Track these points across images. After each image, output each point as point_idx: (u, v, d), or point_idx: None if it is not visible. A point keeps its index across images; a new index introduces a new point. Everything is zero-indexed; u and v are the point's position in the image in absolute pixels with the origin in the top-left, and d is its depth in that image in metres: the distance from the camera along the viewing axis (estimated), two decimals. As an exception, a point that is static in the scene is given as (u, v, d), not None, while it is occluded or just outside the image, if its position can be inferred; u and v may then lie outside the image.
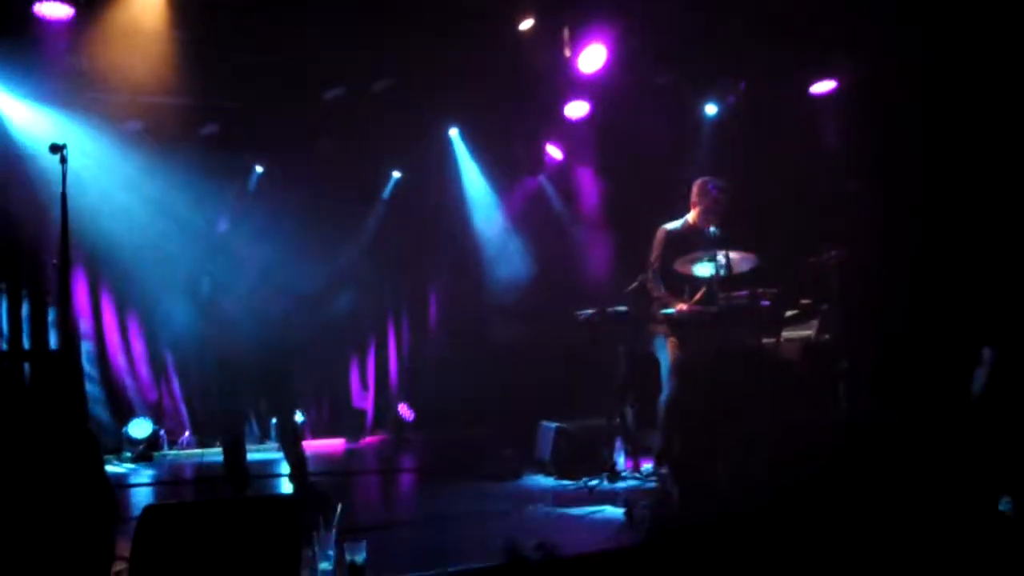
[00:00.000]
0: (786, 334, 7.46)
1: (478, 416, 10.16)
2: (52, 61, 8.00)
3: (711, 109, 9.92)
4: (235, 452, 6.62)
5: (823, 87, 9.09)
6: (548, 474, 7.80)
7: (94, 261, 9.77)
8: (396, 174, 11.39)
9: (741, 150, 9.11)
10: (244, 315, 6.52)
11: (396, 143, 10.72)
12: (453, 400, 10.65)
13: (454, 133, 11.09)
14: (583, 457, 7.54)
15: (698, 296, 7.09)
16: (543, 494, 6.88)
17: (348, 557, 4.29)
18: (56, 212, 5.25)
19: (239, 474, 6.58)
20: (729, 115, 9.87)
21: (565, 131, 10.51)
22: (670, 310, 7.13)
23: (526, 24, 8.82)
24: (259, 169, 10.38)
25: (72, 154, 5.39)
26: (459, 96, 9.86)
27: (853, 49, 8.56)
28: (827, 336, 7.45)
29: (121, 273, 9.74)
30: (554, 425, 7.95)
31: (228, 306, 6.55)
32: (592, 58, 8.96)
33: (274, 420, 6.89)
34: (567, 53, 8.82)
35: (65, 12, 7.55)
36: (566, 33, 8.82)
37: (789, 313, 7.43)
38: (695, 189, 7.47)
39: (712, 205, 7.36)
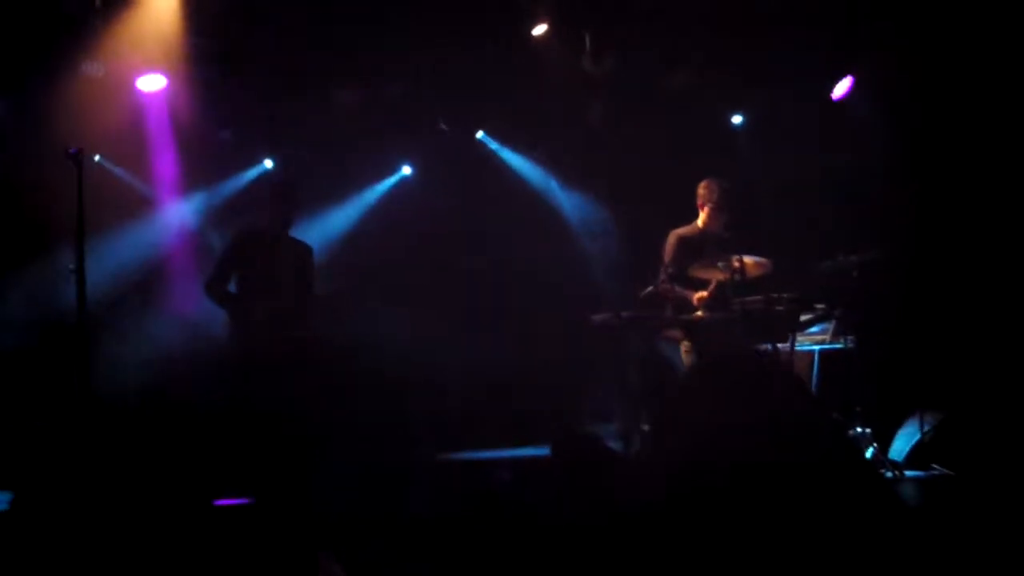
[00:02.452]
0: (800, 339, 7.42)
1: (488, 423, 10.10)
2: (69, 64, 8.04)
3: (736, 119, 9.86)
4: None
5: (842, 88, 9.02)
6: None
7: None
8: (406, 170, 11.20)
9: (758, 155, 9.10)
10: (273, 316, 6.48)
11: (411, 144, 10.73)
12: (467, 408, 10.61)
13: (479, 134, 10.98)
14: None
15: (712, 288, 7.07)
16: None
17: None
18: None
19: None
20: (748, 120, 9.85)
21: (579, 136, 10.48)
22: (687, 313, 7.15)
23: (540, 29, 8.81)
24: (268, 164, 10.39)
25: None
26: (474, 100, 9.86)
27: (870, 49, 8.55)
28: (842, 341, 7.43)
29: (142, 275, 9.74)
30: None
31: (257, 307, 6.50)
32: (607, 62, 8.94)
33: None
34: (587, 61, 8.79)
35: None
36: (587, 40, 8.80)
37: (804, 318, 7.39)
38: (700, 191, 7.50)
39: (718, 205, 7.39)
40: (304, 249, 6.90)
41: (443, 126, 10.54)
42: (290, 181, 7.19)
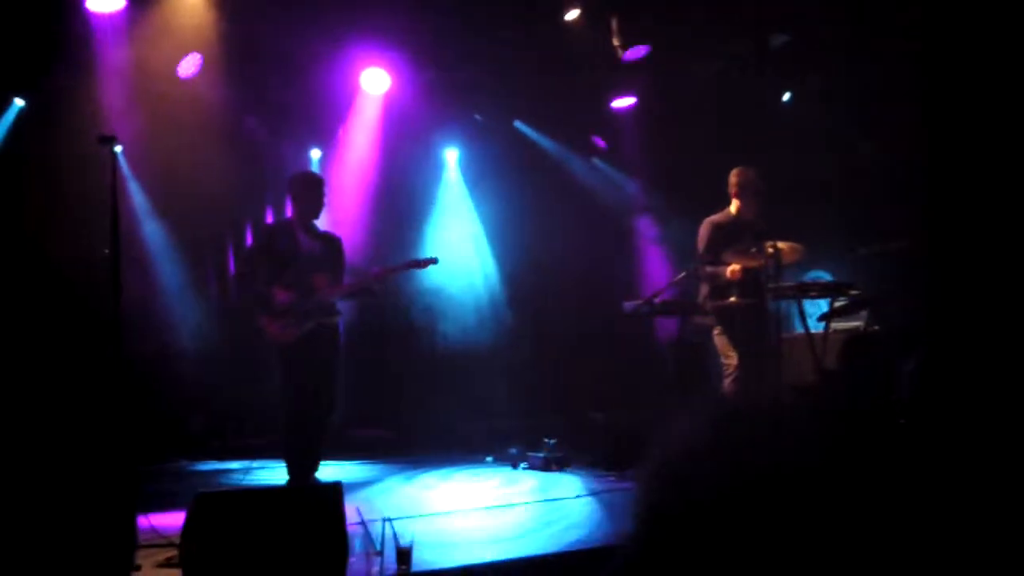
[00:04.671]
0: (835, 325, 7.35)
1: (527, 407, 10.09)
2: (104, 54, 8.07)
3: (785, 96, 9.77)
4: (297, 445, 6.60)
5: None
6: (596, 466, 7.77)
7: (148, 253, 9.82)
8: (453, 153, 11.17)
9: (793, 140, 9.01)
10: (297, 304, 6.53)
11: (445, 133, 10.75)
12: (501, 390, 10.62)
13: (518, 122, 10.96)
14: (631, 449, 7.49)
15: (746, 261, 6.98)
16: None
17: (396, 543, 4.30)
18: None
19: (299, 466, 6.57)
20: (784, 104, 9.77)
21: (611, 121, 10.43)
22: (723, 296, 7.10)
23: (572, 14, 8.75)
24: (315, 155, 10.42)
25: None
26: (509, 85, 9.84)
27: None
28: (876, 327, 7.35)
29: (176, 264, 9.80)
30: (602, 417, 7.93)
31: (282, 296, 6.54)
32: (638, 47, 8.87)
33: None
34: (616, 43, 8.71)
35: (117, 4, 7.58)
36: (614, 23, 8.73)
37: (838, 304, 7.32)
38: (733, 179, 7.42)
39: (752, 193, 7.31)
40: (333, 240, 6.93)
41: (477, 117, 10.54)
42: (316, 173, 7.22)
